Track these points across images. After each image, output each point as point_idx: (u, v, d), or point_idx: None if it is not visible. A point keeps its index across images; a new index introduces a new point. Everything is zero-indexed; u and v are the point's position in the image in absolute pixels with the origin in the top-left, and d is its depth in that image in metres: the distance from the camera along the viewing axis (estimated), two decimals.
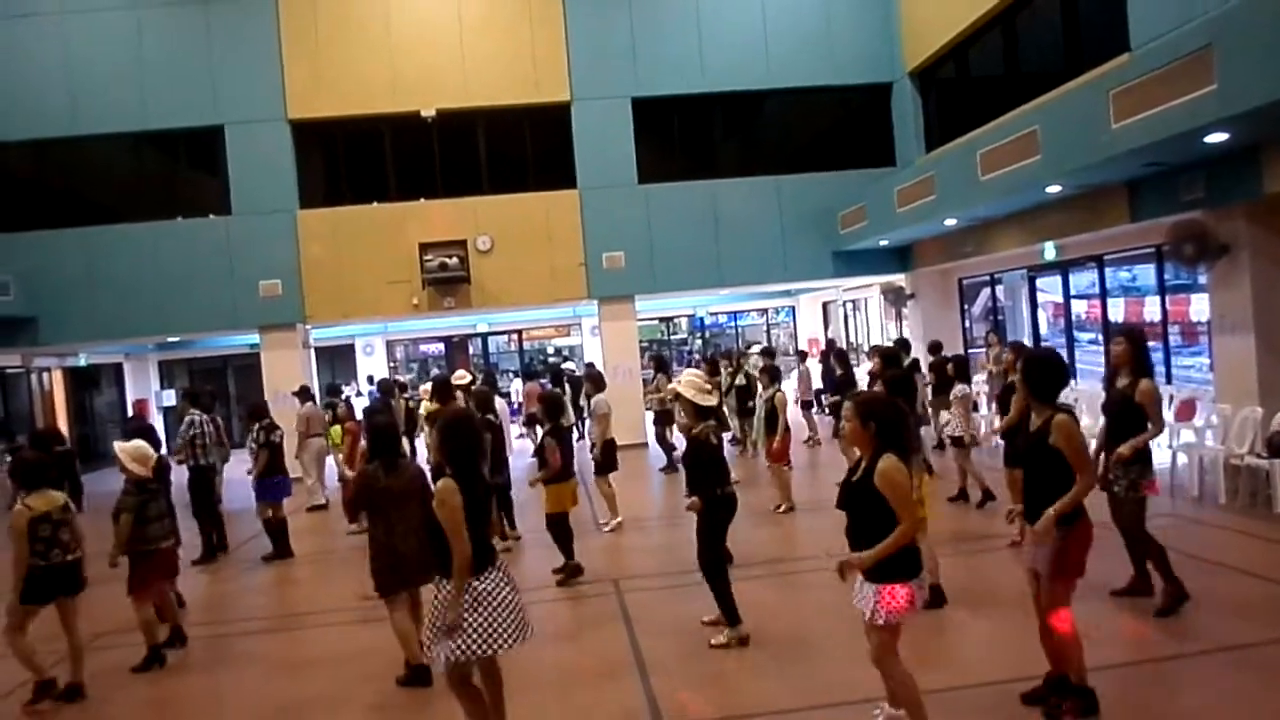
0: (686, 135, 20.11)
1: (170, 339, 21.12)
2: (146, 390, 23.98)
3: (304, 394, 14.65)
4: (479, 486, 4.83)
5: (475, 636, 4.65)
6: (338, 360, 24.79)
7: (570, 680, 6.30)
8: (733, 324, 28.49)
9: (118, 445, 7.66)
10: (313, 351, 19.68)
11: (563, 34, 18.30)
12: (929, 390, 13.52)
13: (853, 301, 23.88)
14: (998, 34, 15.84)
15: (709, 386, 7.08)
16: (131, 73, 17.44)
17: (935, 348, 14.26)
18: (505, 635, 4.71)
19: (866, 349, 20.16)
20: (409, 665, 6.28)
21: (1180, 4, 10.22)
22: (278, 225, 17.75)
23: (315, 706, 6.24)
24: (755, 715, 5.41)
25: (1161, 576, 6.53)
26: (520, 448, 16.26)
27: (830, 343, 21.17)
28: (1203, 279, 11.64)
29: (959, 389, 10.47)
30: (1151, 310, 13.86)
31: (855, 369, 16.49)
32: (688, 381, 6.84)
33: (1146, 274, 13.96)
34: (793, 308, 27.73)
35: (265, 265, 17.69)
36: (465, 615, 4.65)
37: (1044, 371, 5.14)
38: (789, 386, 19.01)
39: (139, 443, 7.65)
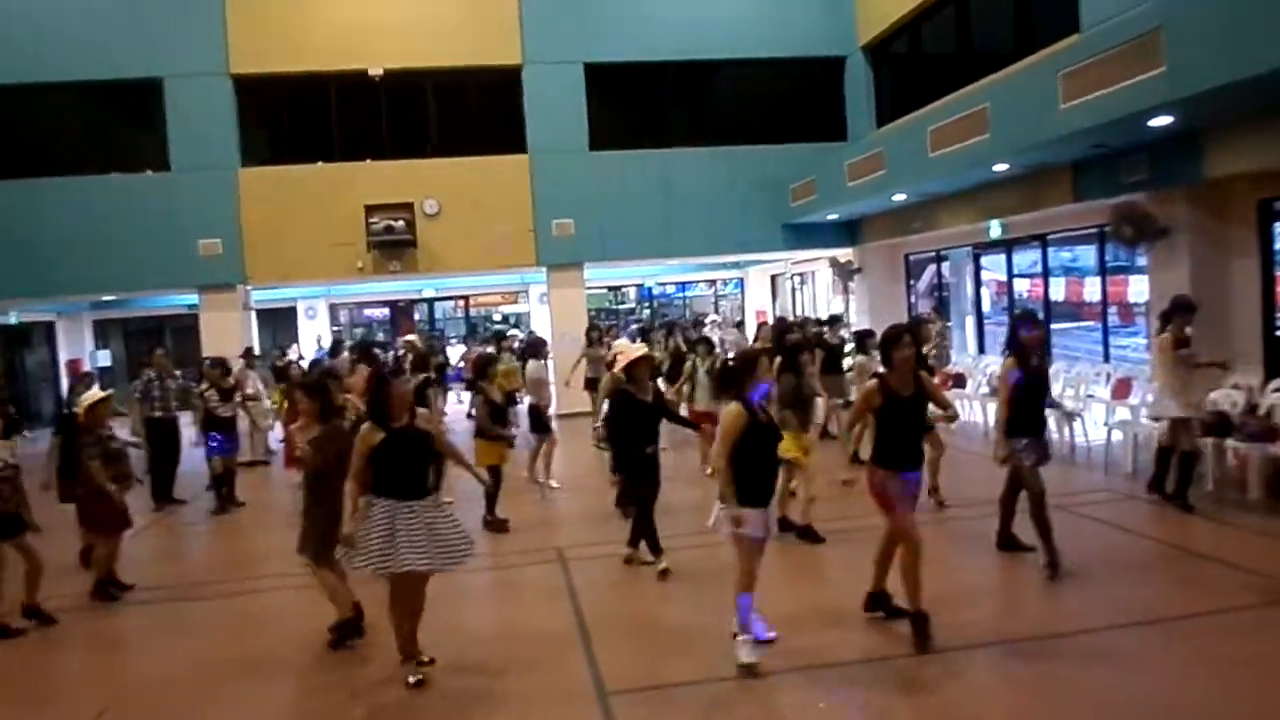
0: (639, 103, 19.92)
1: (105, 298, 20.58)
2: (80, 350, 23.35)
3: (245, 356, 14.57)
4: (394, 433, 5.51)
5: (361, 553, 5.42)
6: (279, 323, 24.33)
7: (513, 641, 6.28)
8: (681, 295, 28.53)
9: None
10: (253, 313, 19.30)
11: None
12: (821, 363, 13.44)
13: (801, 275, 24.00)
14: (950, 11, 15.91)
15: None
16: (67, 22, 16.77)
17: (832, 321, 14.35)
18: (379, 560, 5.36)
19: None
20: (335, 625, 6.34)
21: None
22: (218, 183, 17.28)
23: (243, 669, 6.17)
24: (697, 682, 5.43)
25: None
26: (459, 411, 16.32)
27: (780, 319, 21.22)
28: (1142, 260, 11.87)
29: (859, 359, 11.26)
30: (1091, 290, 14.12)
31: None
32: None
33: (1087, 254, 14.21)
34: (741, 280, 27.82)
35: (205, 224, 17.22)
36: (360, 533, 5.41)
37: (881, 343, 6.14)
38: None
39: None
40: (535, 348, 12.39)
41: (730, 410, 5.62)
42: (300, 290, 23.14)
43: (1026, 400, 6.90)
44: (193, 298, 18.23)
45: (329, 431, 6.38)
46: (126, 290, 19.01)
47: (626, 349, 9.53)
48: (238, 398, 11.80)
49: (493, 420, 9.49)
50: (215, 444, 11.23)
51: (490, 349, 14.89)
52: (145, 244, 16.96)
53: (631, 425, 7.78)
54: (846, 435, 6.53)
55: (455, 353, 21.68)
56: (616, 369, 8.13)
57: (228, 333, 16.94)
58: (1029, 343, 6.93)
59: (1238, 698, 4.90)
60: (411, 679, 5.51)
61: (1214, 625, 5.79)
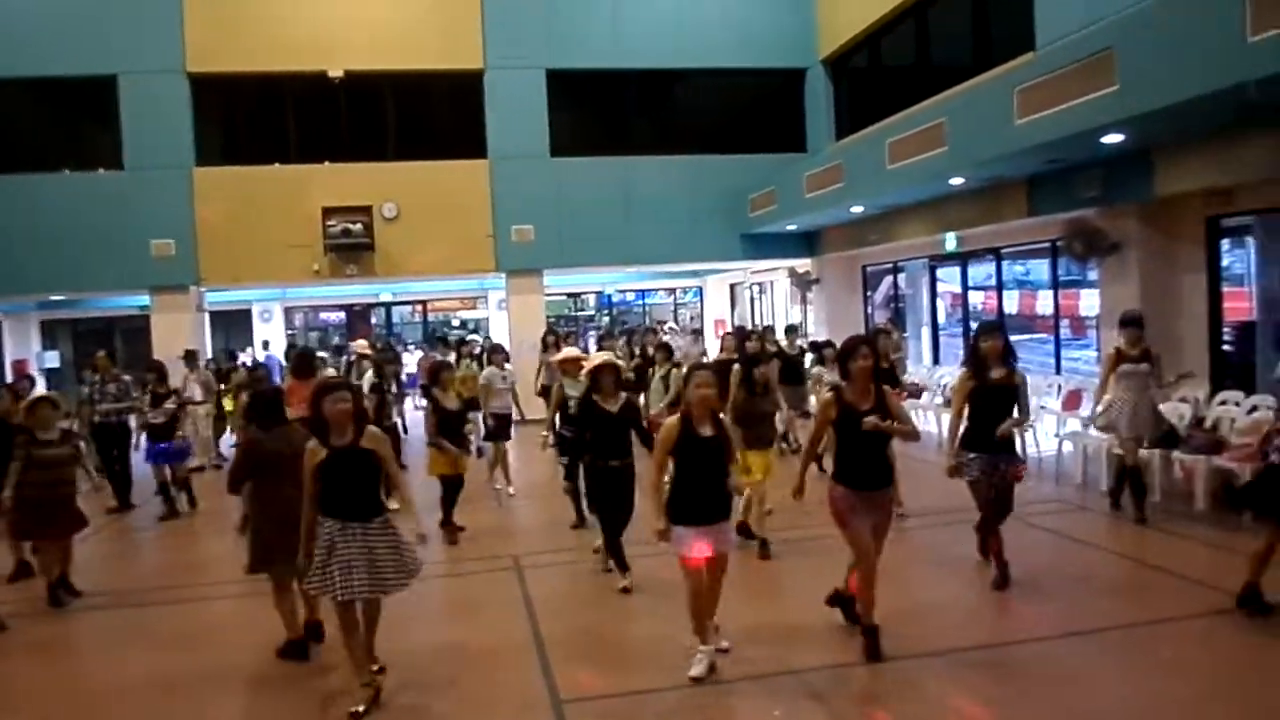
0: (601, 110, 19.92)
1: (54, 297, 20.16)
2: (27, 351, 22.85)
3: (186, 358, 14.31)
4: (335, 453, 5.21)
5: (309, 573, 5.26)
6: (233, 325, 23.97)
7: (467, 650, 6.23)
8: (640, 302, 28.55)
9: None
10: (207, 315, 19.01)
11: (478, 0, 17.94)
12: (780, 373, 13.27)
13: (759, 284, 24.13)
14: (910, 26, 16.10)
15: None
16: (19, 15, 16.45)
17: (790, 331, 14.44)
18: (317, 583, 5.20)
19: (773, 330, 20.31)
20: (288, 640, 6.18)
21: (1085, 6, 10.52)
22: (172, 182, 17.02)
23: (195, 680, 6.02)
24: (653, 691, 5.42)
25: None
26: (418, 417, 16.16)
27: (740, 327, 21.34)
28: (1093, 275, 12.08)
29: (817, 370, 11.17)
30: (1044, 304, 14.34)
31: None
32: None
33: (1040, 268, 14.43)
34: (700, 288, 27.90)
35: (158, 224, 16.95)
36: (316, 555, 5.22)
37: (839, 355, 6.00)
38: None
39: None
40: (490, 354, 12.22)
41: (666, 423, 5.54)
42: (255, 292, 22.84)
43: (982, 413, 6.74)
44: (144, 299, 17.93)
45: (250, 437, 6.25)
46: (77, 290, 18.65)
47: (573, 354, 9.53)
48: (170, 404, 11.15)
49: (443, 429, 9.15)
50: (148, 450, 11.05)
51: (446, 355, 14.77)
52: (97, 243, 16.64)
53: (595, 436, 7.47)
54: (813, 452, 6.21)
55: (413, 359, 21.50)
56: (582, 375, 7.90)
57: (180, 335, 16.66)
58: (986, 353, 6.75)
59: (1185, 704, 4.99)
60: (352, 709, 5.21)
61: (1162, 634, 5.88)
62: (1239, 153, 8.97)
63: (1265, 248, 10.70)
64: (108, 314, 22.74)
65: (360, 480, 5.25)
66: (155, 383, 11.18)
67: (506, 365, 11.60)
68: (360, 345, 13.96)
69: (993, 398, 6.74)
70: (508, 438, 11.39)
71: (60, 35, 16.51)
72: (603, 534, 7.57)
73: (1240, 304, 11.12)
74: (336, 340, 24.89)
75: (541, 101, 18.24)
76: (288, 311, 25.63)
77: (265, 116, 18.64)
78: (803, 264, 19.84)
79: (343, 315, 26.53)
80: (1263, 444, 8.44)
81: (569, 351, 10.10)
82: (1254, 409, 9.17)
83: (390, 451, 5.53)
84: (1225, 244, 10.94)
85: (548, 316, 19.73)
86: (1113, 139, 9.39)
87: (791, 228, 18.19)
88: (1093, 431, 10.39)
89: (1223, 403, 9.63)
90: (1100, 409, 8.73)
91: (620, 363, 8.22)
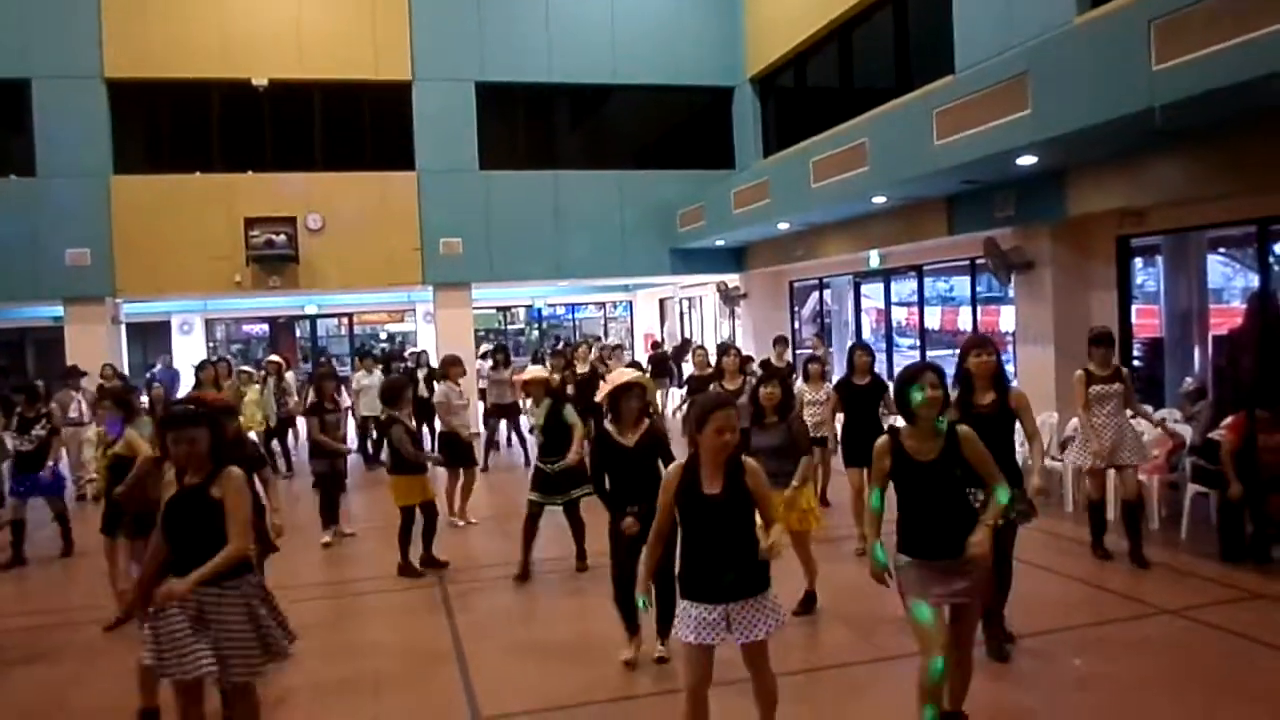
0: (531, 124, 19.93)
1: None
2: None
3: (68, 376, 13.83)
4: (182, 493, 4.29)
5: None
6: (151, 338, 23.38)
7: (386, 674, 6.15)
8: (570, 316, 28.56)
9: None
10: (123, 327, 18.50)
11: (406, 11, 17.79)
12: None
13: (689, 299, 24.31)
14: (834, 47, 16.41)
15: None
16: None
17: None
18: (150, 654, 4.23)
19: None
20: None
21: (1002, 32, 10.88)
22: (89, 190, 16.53)
23: None
24: (570, 706, 5.40)
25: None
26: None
27: (685, 339, 21.47)
28: (1013, 291, 12.42)
29: (800, 389, 10.66)
30: (964, 320, 14.70)
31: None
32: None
33: (961, 285, 14.78)
34: (630, 303, 28.00)
35: (73, 233, 16.43)
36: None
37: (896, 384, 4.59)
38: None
39: None
40: (446, 368, 10.88)
41: (667, 473, 4.32)
42: (175, 304, 22.32)
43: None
44: (58, 309, 17.39)
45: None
46: None
47: (537, 372, 8.76)
48: (40, 429, 9.53)
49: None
50: (14, 483, 9.47)
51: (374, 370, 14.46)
52: (6, 252, 16.05)
53: (612, 477, 5.95)
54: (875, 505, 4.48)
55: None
56: (600, 397, 6.31)
57: (95, 347, 16.18)
58: (975, 371, 5.70)
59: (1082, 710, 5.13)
60: None
61: (1058, 642, 6.05)
62: (1147, 175, 9.29)
63: (1173, 266, 11.11)
64: (19, 324, 22.01)
65: (197, 532, 4.22)
66: (25, 405, 9.68)
67: (461, 381, 10.66)
68: (273, 359, 13.42)
69: (984, 429, 5.09)
70: (470, 462, 10.33)
71: None
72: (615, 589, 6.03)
73: (1150, 321, 11.52)
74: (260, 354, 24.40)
75: (471, 114, 18.17)
76: (209, 323, 25.10)
77: (187, 124, 18.26)
78: (731, 279, 20.05)
79: (266, 328, 26.06)
80: (1170, 456, 8.85)
81: (534, 370, 8.94)
82: (1162, 422, 9.49)
83: (242, 502, 4.31)
84: (1138, 263, 11.32)
85: (479, 330, 19.59)
86: (1026, 161, 9.67)
87: (720, 243, 18.37)
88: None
89: (1133, 416, 9.92)
90: (1078, 442, 8.11)
91: (645, 381, 6.52)
